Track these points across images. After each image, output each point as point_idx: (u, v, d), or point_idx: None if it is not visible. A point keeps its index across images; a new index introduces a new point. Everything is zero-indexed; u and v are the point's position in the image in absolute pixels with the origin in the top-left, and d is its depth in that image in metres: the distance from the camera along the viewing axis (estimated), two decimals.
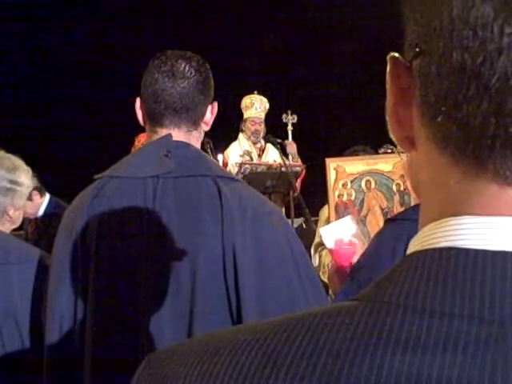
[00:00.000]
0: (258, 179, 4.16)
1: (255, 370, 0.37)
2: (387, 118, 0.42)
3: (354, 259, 1.70)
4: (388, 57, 0.42)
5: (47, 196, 4.27)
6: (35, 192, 4.13)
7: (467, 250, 0.36)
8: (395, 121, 0.42)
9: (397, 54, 0.41)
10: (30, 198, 4.06)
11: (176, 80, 1.36)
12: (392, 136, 0.43)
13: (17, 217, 1.90)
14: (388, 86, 0.42)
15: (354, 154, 3.20)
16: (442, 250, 0.38)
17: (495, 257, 0.36)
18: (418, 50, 0.38)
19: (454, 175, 0.38)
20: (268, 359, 0.37)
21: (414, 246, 0.40)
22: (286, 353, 0.37)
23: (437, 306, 0.35)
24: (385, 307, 0.37)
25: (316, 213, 3.72)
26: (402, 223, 1.47)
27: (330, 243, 1.82)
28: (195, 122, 1.41)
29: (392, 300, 0.37)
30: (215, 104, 1.46)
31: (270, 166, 4.53)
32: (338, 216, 2.52)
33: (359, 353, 0.35)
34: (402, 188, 2.66)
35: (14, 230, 2.00)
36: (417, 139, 0.41)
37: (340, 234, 1.80)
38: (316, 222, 3.59)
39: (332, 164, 2.67)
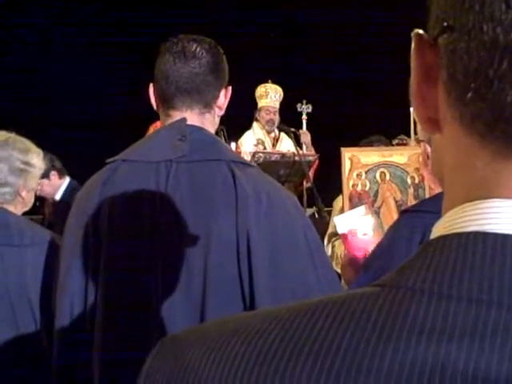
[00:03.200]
0: (272, 168, 4.14)
1: (274, 354, 0.36)
2: (411, 97, 0.41)
3: (368, 250, 1.68)
4: (412, 34, 0.40)
5: (67, 179, 4.22)
6: (53, 172, 4.11)
7: (496, 235, 0.35)
8: (419, 100, 0.40)
9: (421, 31, 0.39)
10: (47, 177, 4.05)
11: (187, 60, 1.36)
12: (415, 116, 0.41)
13: (29, 199, 1.93)
14: (412, 65, 0.40)
15: (369, 143, 3.18)
16: (469, 234, 0.36)
17: None
18: (445, 24, 0.36)
19: (482, 157, 0.36)
20: (287, 344, 0.36)
21: (439, 230, 0.39)
22: (305, 339, 0.35)
23: (463, 293, 0.34)
24: (408, 293, 0.35)
25: (329, 203, 3.70)
26: (418, 215, 1.46)
27: (343, 232, 1.81)
28: (207, 104, 1.39)
29: (416, 286, 0.35)
30: (229, 88, 1.44)
31: (283, 155, 4.52)
32: (352, 206, 2.50)
33: (382, 341, 0.34)
34: (416, 181, 2.64)
35: (32, 213, 2.02)
36: (442, 120, 0.39)
37: (354, 224, 1.79)
38: (330, 212, 3.58)
39: (347, 154, 2.66)
